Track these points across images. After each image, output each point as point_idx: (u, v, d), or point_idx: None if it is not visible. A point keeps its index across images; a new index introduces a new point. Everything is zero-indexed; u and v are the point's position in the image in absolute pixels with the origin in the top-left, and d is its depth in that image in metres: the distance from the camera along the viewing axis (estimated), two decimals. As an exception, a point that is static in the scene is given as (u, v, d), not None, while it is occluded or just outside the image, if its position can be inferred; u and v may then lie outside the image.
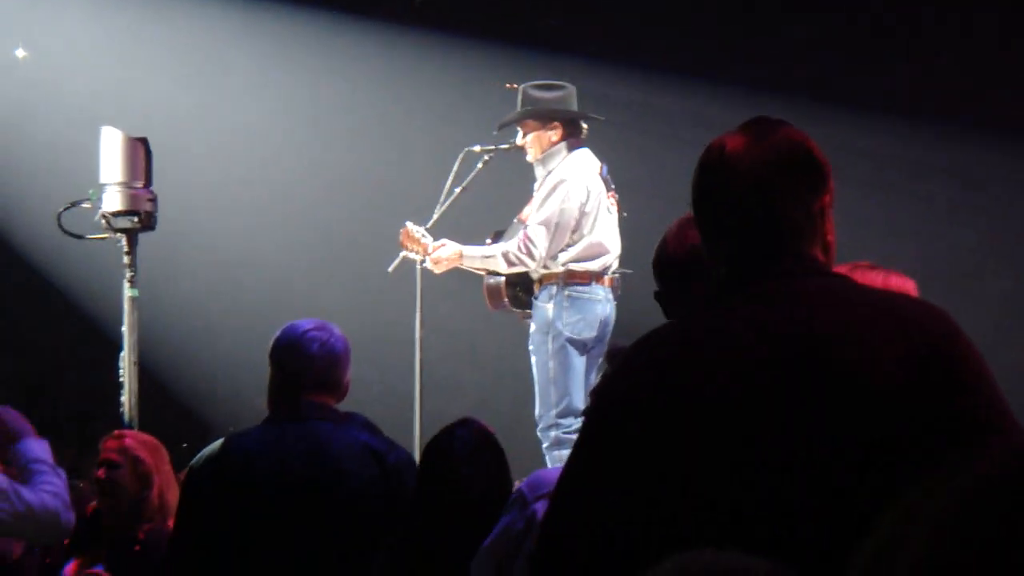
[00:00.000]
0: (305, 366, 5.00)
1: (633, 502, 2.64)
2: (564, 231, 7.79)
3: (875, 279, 3.59)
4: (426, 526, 4.68)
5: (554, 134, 7.90)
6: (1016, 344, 10.23)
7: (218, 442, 5.01)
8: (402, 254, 8.12)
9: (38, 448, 4.70)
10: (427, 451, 4.87)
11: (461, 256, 7.97)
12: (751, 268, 2.73)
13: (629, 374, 2.79)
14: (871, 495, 2.45)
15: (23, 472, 4.62)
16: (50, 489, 4.59)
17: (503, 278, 7.96)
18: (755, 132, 2.78)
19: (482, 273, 8.04)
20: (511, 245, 7.85)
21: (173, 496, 5.64)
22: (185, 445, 9.07)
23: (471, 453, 4.75)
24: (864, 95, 10.73)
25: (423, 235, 8.03)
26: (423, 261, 8.07)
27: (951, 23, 10.80)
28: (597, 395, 2.86)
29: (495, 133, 8.22)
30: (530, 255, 7.77)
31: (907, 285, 3.70)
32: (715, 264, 2.80)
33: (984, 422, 2.55)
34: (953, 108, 10.72)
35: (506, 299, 8.01)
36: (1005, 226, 10.94)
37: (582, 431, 2.80)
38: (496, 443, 4.84)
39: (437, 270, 8.05)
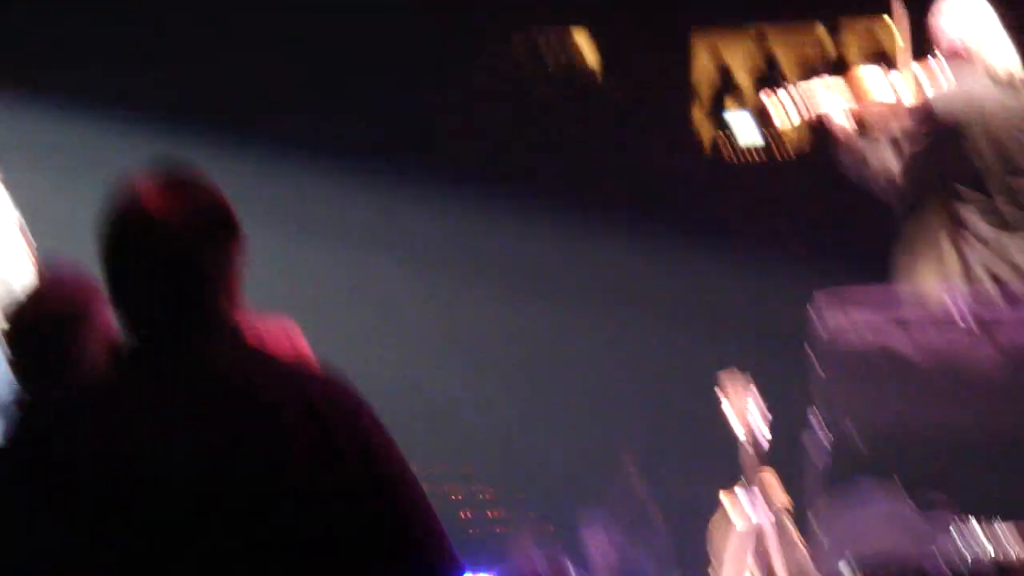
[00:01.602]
0: None
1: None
2: None
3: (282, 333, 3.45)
4: None
5: None
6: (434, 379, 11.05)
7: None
8: None
9: None
10: None
11: None
12: (163, 329, 2.63)
13: (18, 443, 2.66)
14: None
15: None
16: None
17: None
18: (171, 185, 2.67)
19: None
20: None
21: None
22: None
23: None
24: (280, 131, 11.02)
25: None
26: None
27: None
28: None
29: None
30: None
31: (294, 334, 3.55)
32: (122, 325, 2.68)
33: (399, 519, 2.55)
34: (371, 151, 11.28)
35: None
36: (423, 255, 11.37)
37: None
38: None
39: None
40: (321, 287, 10.80)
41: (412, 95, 12.34)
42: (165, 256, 2.62)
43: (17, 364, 3.47)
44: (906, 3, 6.61)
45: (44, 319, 3.44)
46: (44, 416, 2.69)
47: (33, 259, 6.69)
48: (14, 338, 3.50)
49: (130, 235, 2.64)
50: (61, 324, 3.43)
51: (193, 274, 2.63)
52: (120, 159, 8.76)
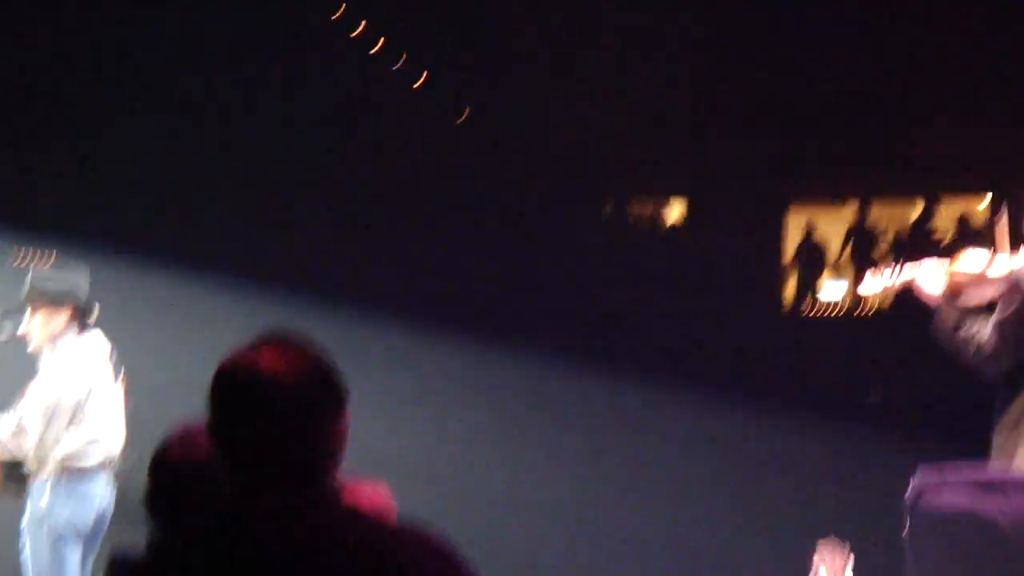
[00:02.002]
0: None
1: None
2: (61, 421, 7.32)
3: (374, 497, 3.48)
4: None
5: (63, 318, 7.40)
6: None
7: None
8: None
9: None
10: None
11: None
12: (270, 487, 2.70)
13: None
14: None
15: None
16: None
17: None
18: (283, 350, 2.76)
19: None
20: (3, 430, 7.36)
21: None
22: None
23: None
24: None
25: None
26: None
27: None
28: None
29: None
30: (18, 444, 7.33)
31: (384, 497, 3.58)
32: (230, 479, 2.74)
33: None
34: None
35: None
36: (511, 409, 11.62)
37: None
38: None
39: None
40: (405, 440, 10.98)
41: (507, 254, 12.64)
42: (277, 420, 2.70)
43: (153, 503, 3.51)
44: (1003, 195, 6.71)
45: (186, 463, 3.47)
46: (159, 560, 2.79)
47: (125, 408, 7.53)
48: (158, 476, 3.56)
49: (244, 397, 2.73)
50: (200, 469, 3.41)
51: (302, 439, 2.70)
52: (227, 319, 9.28)
